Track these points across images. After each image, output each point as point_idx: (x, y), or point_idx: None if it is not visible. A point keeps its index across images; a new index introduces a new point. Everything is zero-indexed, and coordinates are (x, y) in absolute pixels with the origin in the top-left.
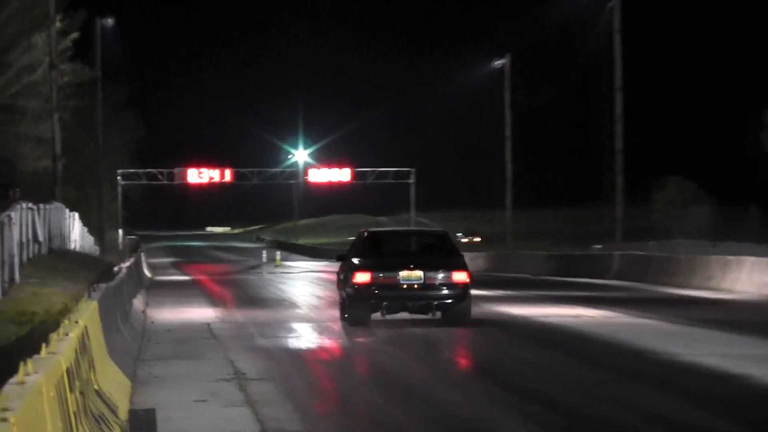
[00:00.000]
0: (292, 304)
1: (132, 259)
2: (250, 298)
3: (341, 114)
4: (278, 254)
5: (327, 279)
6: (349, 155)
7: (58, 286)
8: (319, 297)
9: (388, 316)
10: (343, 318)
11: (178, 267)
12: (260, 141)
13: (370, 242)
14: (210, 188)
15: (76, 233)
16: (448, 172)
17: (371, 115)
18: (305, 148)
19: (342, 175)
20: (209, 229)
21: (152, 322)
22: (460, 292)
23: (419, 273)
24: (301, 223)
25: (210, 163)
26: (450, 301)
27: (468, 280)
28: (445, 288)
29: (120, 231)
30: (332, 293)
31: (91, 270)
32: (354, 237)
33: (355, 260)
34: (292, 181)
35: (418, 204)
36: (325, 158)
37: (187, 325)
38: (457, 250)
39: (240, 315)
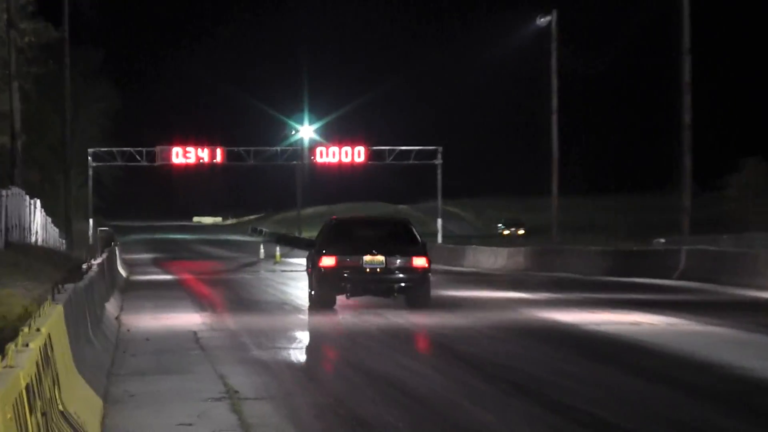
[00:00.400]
0: (295, 309)
1: (105, 255)
2: (245, 301)
3: (353, 84)
4: (278, 249)
5: None
6: (363, 132)
7: (17, 287)
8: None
9: (352, 299)
10: (311, 302)
11: (159, 264)
12: (257, 115)
13: (337, 229)
14: (198, 171)
15: (39, 224)
16: (481, 152)
17: (389, 85)
18: (311, 123)
19: (355, 155)
20: (197, 219)
21: (128, 330)
22: (420, 276)
23: (381, 258)
24: (306, 212)
25: (198, 141)
26: (410, 284)
27: (427, 266)
28: (405, 272)
29: (90, 221)
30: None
31: (56, 268)
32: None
33: (322, 246)
34: (295, 162)
35: (446, 190)
36: (335, 135)
37: (169, 333)
38: (418, 238)
39: (232, 321)
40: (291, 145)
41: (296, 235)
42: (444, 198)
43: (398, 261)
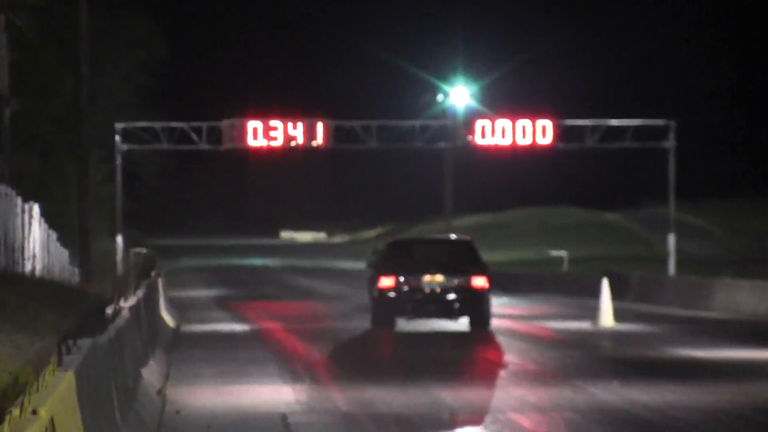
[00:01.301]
0: (440, 375)
1: (141, 293)
2: (364, 364)
3: (521, 32)
4: None
5: (514, 330)
6: (546, 100)
7: (4, 343)
8: (492, 363)
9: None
10: (371, 324)
11: (226, 306)
12: (380, 75)
13: (396, 248)
14: (288, 159)
15: (37, 242)
16: (730, 132)
17: (573, 30)
18: (468, 84)
19: (537, 133)
20: (287, 235)
21: (178, 412)
22: (480, 296)
23: (441, 278)
24: (461, 223)
25: (287, 113)
26: (469, 305)
27: (487, 286)
28: (465, 293)
29: (119, 239)
30: (515, 356)
31: (63, 311)
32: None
33: (381, 266)
34: (442, 145)
35: (682, 189)
36: (504, 104)
37: (243, 417)
38: (479, 258)
39: (343, 398)
40: (435, 117)
41: None
42: (679, 202)
43: (457, 281)
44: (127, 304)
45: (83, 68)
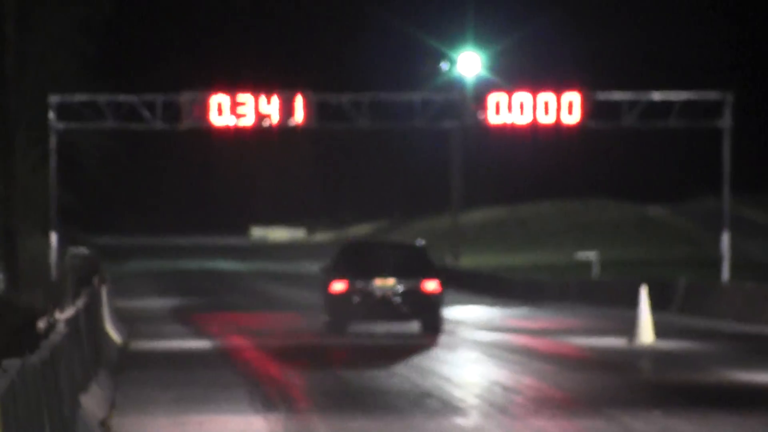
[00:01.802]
0: (446, 405)
1: (81, 303)
2: (351, 389)
3: None
4: None
5: (534, 348)
6: (574, 69)
7: None
8: (506, 388)
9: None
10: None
11: (185, 319)
12: (374, 37)
13: (349, 252)
14: (259, 141)
15: None
16: None
17: None
18: (479, 50)
19: (562, 108)
20: (258, 233)
21: None
22: (431, 299)
23: (392, 281)
24: (470, 219)
25: (259, 85)
26: (421, 309)
27: (439, 290)
28: (416, 296)
29: (53, 237)
30: (535, 380)
31: None
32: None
33: (333, 270)
34: (448, 124)
35: (739, 178)
36: (523, 74)
37: None
38: (431, 262)
39: (326, 430)
40: (440, 90)
41: (449, 262)
42: (735, 193)
43: (408, 285)
44: (63, 316)
45: (7, 28)
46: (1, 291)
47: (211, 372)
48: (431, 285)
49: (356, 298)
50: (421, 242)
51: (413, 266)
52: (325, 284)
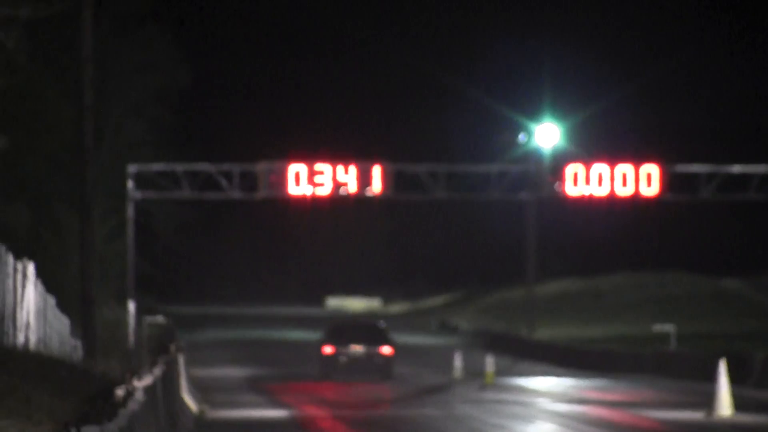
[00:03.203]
0: None
1: (158, 371)
2: None
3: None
4: (490, 361)
5: (610, 420)
6: (652, 141)
7: None
8: None
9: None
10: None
11: (261, 388)
12: (452, 109)
13: (334, 326)
14: (336, 210)
15: (32, 308)
16: None
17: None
18: (557, 122)
19: (641, 180)
20: (334, 303)
21: None
22: (387, 360)
23: (362, 347)
24: (546, 290)
25: (336, 155)
26: (380, 365)
27: (391, 352)
28: (377, 357)
29: (131, 305)
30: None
31: (63, 392)
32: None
33: (325, 338)
34: (524, 195)
35: None
36: (601, 146)
37: None
38: (388, 335)
39: None
40: (517, 161)
41: (524, 334)
42: None
43: (372, 350)
44: (140, 384)
45: (87, 98)
46: (79, 359)
47: None
48: (386, 350)
49: (340, 358)
50: (382, 323)
51: (375, 338)
52: (319, 348)
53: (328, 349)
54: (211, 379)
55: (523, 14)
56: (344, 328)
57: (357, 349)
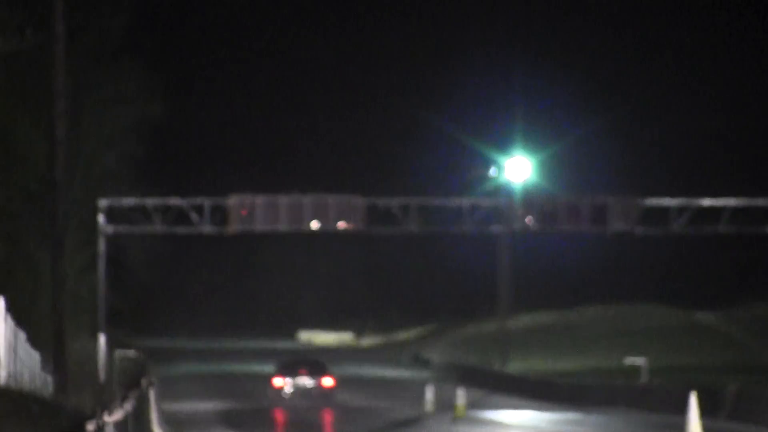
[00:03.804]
0: None
1: (129, 405)
2: None
3: (597, 93)
4: (461, 394)
5: None
6: (622, 175)
7: None
8: None
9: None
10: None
11: (232, 424)
12: (422, 142)
13: (285, 362)
14: (307, 244)
15: (2, 343)
16: None
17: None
18: (527, 155)
19: (610, 215)
20: (305, 336)
21: None
22: (329, 389)
23: (308, 378)
24: (518, 323)
25: (305, 188)
26: (324, 394)
27: (333, 383)
28: (320, 386)
29: (102, 338)
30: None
31: (34, 428)
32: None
33: (276, 371)
34: (496, 229)
35: None
36: (570, 180)
37: None
38: (328, 368)
39: None
40: (488, 195)
41: (496, 367)
42: None
43: (316, 380)
44: (111, 419)
45: (59, 132)
46: (50, 393)
47: None
48: (328, 381)
49: (288, 388)
50: (321, 359)
51: (318, 370)
52: (269, 380)
53: (278, 381)
54: (183, 413)
55: (494, 48)
56: (293, 363)
57: (303, 380)
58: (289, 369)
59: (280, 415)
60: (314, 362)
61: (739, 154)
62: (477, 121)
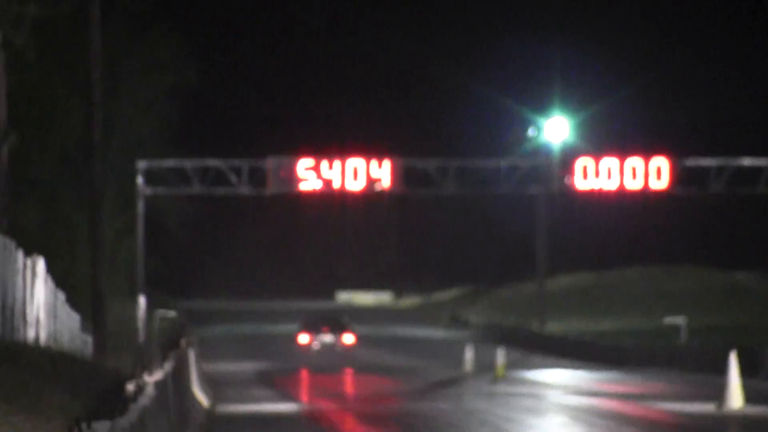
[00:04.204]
0: None
1: (169, 365)
2: None
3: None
4: (501, 354)
5: (622, 412)
6: (662, 135)
7: (1, 427)
8: None
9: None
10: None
11: (271, 382)
12: (461, 104)
13: (309, 320)
14: (345, 204)
15: (42, 304)
16: None
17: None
18: (566, 116)
19: (651, 174)
20: (345, 297)
21: None
22: (350, 346)
23: (330, 335)
24: (557, 284)
25: (345, 150)
26: (344, 349)
27: (355, 339)
28: (341, 343)
29: (141, 300)
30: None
31: (74, 388)
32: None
33: (300, 327)
34: (534, 189)
35: None
36: (610, 140)
37: None
38: (349, 325)
39: None
40: (526, 156)
41: (534, 328)
42: None
43: (337, 337)
44: (151, 379)
45: (95, 95)
46: (89, 354)
47: None
48: (349, 338)
49: (314, 343)
50: (346, 316)
51: (339, 328)
52: (295, 336)
53: (302, 338)
54: (222, 373)
55: (533, 9)
56: (316, 320)
57: (326, 336)
58: (312, 326)
59: (314, 377)
60: (336, 320)
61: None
62: (515, 83)
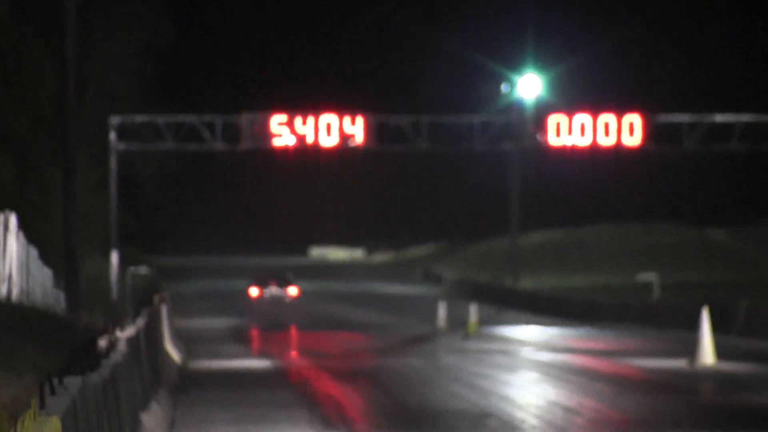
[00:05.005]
0: (506, 426)
1: (141, 322)
2: (411, 410)
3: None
4: (473, 310)
5: (594, 369)
6: (635, 92)
7: None
8: (566, 409)
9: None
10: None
11: (244, 338)
12: (433, 59)
13: (258, 274)
14: (319, 161)
15: (15, 261)
16: None
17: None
18: (539, 73)
19: (623, 130)
20: (317, 252)
21: None
22: (294, 296)
23: (276, 288)
24: (529, 241)
25: (319, 106)
26: (290, 301)
27: (298, 292)
28: (287, 294)
29: (114, 256)
30: (595, 401)
31: (47, 346)
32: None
33: (250, 281)
34: (507, 146)
35: None
36: (583, 97)
37: None
38: (292, 278)
39: None
40: (499, 112)
41: (508, 284)
42: None
43: (283, 290)
44: (123, 335)
45: (68, 51)
46: (62, 310)
47: (270, 392)
48: (293, 290)
49: (264, 295)
50: (289, 270)
51: (285, 281)
52: (246, 289)
53: (252, 290)
54: (195, 329)
55: None
56: (265, 274)
57: (273, 288)
58: (260, 280)
59: (290, 333)
60: (281, 274)
61: (752, 70)
62: (488, 39)
